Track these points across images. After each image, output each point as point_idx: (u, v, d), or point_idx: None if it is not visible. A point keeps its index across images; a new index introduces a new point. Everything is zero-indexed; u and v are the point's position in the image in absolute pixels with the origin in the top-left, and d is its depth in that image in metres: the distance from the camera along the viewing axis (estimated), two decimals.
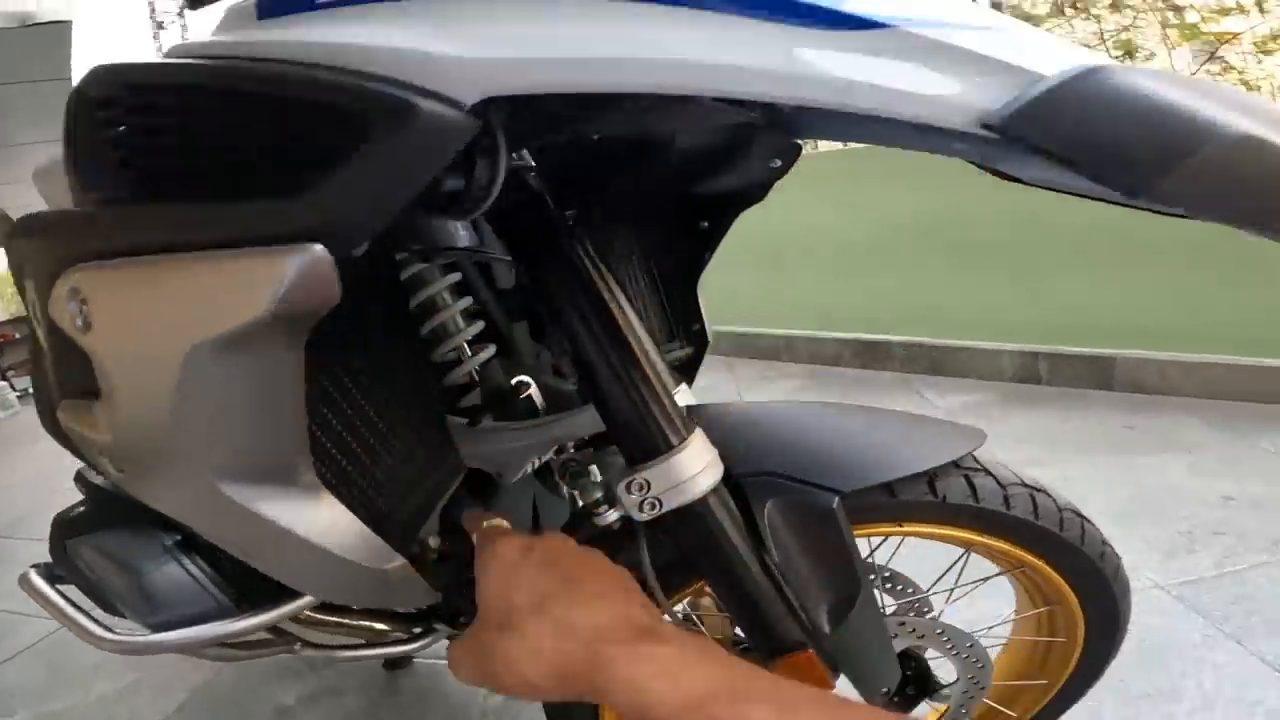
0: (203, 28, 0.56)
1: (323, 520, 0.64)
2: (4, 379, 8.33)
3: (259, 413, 0.56)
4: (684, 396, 0.91)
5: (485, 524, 0.66)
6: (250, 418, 0.56)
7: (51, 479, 4.42)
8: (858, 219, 3.36)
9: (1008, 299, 3.05)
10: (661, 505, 0.61)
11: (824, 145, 4.51)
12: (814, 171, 3.40)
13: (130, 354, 0.57)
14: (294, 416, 0.58)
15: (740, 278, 3.21)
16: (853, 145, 3.53)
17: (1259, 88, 7.71)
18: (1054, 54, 0.37)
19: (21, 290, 0.80)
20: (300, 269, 0.47)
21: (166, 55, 0.55)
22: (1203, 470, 2.16)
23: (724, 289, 2.83)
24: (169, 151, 0.52)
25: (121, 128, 0.52)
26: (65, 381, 0.71)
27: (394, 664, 1.82)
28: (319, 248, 0.47)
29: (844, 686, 0.76)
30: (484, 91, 0.43)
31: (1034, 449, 2.43)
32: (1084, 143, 0.34)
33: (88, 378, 0.62)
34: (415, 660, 1.87)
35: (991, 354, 3.10)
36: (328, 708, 1.79)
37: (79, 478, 1.00)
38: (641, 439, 0.60)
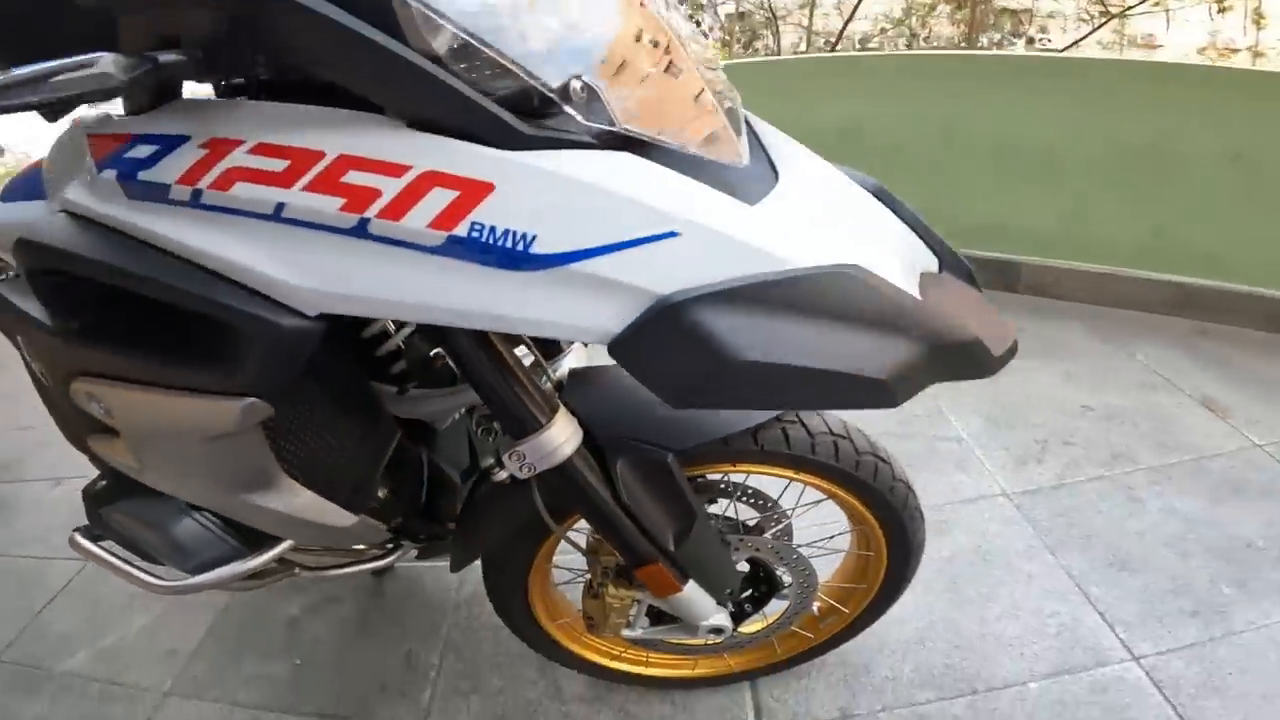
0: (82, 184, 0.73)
1: (298, 503, 0.90)
2: None
3: (240, 459, 0.83)
4: (577, 355, 1.12)
5: None
6: (234, 462, 0.83)
7: (12, 417, 4.42)
8: (800, 119, 3.54)
9: (929, 201, 3.24)
10: (536, 468, 0.83)
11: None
12: (773, 75, 3.65)
13: (144, 439, 0.84)
14: (262, 454, 0.83)
15: None
16: (811, 55, 3.67)
17: None
18: (690, 270, 0.57)
19: (15, 343, 1.03)
20: (247, 410, 0.71)
21: (61, 206, 0.73)
22: (1073, 379, 2.39)
23: None
24: (99, 303, 0.72)
25: (46, 275, 0.73)
26: (94, 425, 0.94)
27: (379, 571, 2.03)
28: (255, 400, 0.72)
29: None
30: (318, 310, 0.63)
31: None
32: (648, 374, 0.59)
33: (113, 429, 0.87)
34: (397, 567, 2.07)
35: None
36: (328, 614, 2.02)
37: (93, 455, 1.20)
38: (514, 422, 0.81)
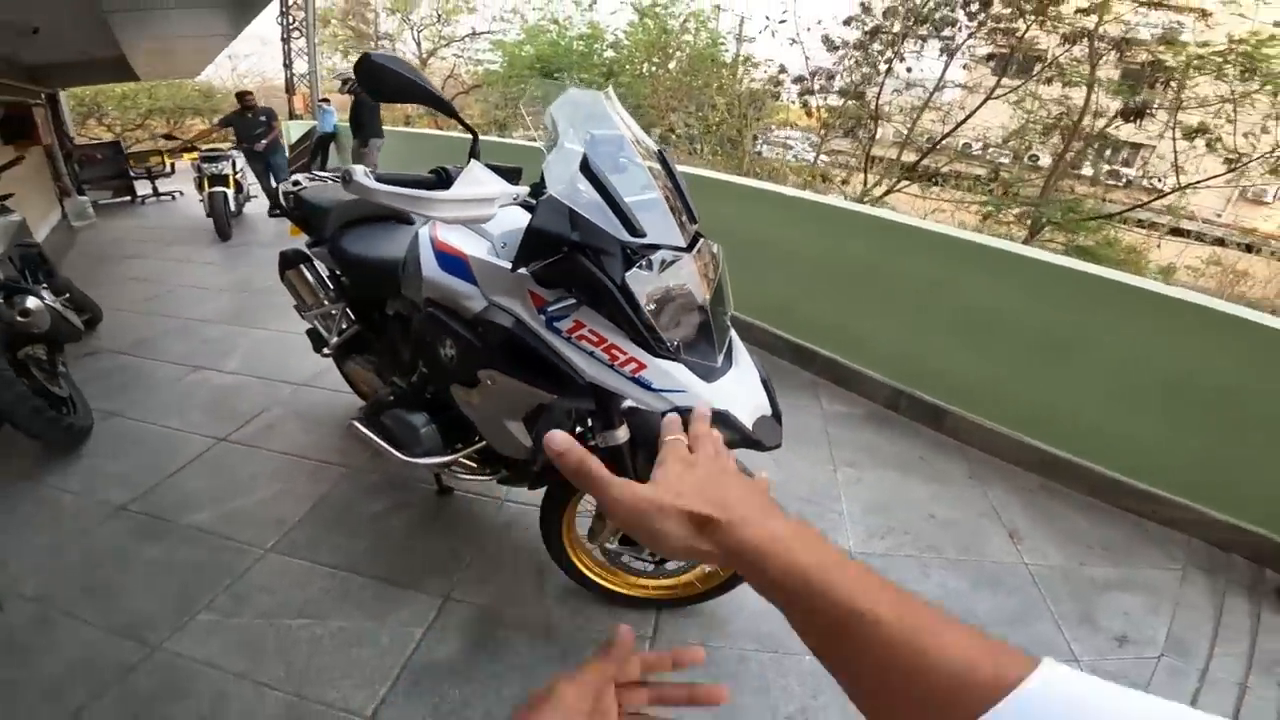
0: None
1: (516, 429, 2.03)
2: (82, 194, 9.69)
3: (515, 412, 1.98)
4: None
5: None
6: (512, 410, 1.99)
7: (150, 303, 4.97)
8: (820, 249, 4.40)
9: (896, 338, 4.12)
10: (608, 444, 1.97)
11: (823, 199, 5.35)
12: (808, 211, 4.52)
13: (494, 396, 1.98)
14: (521, 411, 1.99)
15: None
16: (844, 205, 4.50)
17: None
18: (688, 403, 1.74)
19: (430, 347, 2.08)
20: (553, 399, 1.87)
21: (492, 301, 1.88)
22: (936, 498, 3.28)
23: None
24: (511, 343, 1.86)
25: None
26: (465, 381, 2.04)
27: (443, 491, 2.93)
28: (558, 397, 1.87)
29: None
30: (591, 382, 1.84)
31: (858, 455, 3.66)
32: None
33: (472, 384, 2.00)
34: (455, 492, 2.99)
35: (878, 382, 4.33)
36: (403, 514, 2.82)
37: (390, 381, 2.32)
38: (608, 421, 1.95)
